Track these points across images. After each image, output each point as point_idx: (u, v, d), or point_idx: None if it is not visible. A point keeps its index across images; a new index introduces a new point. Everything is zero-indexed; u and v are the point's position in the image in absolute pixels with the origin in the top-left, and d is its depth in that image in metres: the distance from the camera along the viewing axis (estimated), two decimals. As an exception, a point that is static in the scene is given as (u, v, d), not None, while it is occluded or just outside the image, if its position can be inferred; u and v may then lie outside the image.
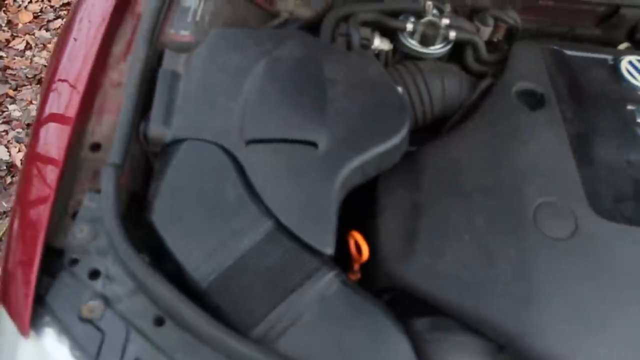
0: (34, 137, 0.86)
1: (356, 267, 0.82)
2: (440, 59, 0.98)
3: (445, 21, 0.95)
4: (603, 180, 0.81)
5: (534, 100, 0.89)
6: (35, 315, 0.70)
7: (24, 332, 0.71)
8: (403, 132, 0.82)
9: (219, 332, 0.67)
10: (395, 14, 0.98)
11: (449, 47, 0.98)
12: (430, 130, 0.96)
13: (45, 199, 0.78)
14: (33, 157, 0.84)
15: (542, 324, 0.71)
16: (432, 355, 0.74)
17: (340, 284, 0.73)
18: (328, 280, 0.73)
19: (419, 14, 0.96)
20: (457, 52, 1.00)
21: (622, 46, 1.07)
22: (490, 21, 0.99)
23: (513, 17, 0.99)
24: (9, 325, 0.75)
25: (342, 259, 0.81)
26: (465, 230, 0.78)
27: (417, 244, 0.79)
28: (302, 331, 0.71)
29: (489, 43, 1.02)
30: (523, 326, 0.71)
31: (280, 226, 0.76)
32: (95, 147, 0.84)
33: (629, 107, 0.88)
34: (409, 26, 0.95)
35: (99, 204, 0.76)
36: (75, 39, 0.95)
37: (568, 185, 0.80)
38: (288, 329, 0.70)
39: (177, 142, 0.82)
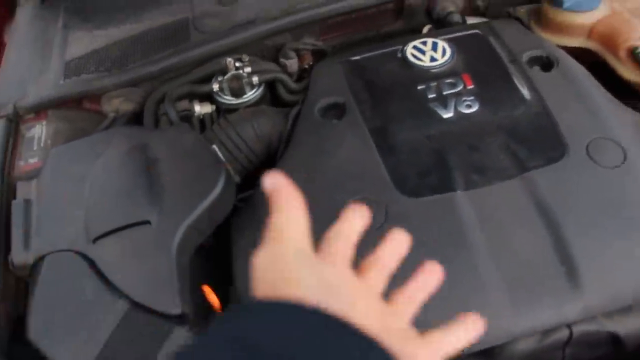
0: None
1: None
2: (258, 102, 1.07)
3: (248, 70, 1.04)
4: (407, 162, 0.87)
5: (338, 112, 0.97)
6: None
7: None
8: (220, 184, 0.90)
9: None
10: (206, 79, 1.08)
11: (260, 90, 1.06)
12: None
13: None
14: None
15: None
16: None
17: (188, 340, 0.80)
18: (181, 336, 0.80)
19: (224, 72, 1.05)
20: (273, 91, 1.09)
21: (425, 29, 1.15)
22: (292, 54, 1.08)
23: (310, 42, 1.09)
24: None
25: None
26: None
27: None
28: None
29: (304, 71, 1.11)
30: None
31: (134, 304, 0.83)
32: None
33: (419, 87, 0.95)
34: (215, 86, 1.04)
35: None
36: None
37: (375, 178, 0.86)
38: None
39: (39, 260, 0.90)
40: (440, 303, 0.74)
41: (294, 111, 1.01)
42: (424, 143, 0.90)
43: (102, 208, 0.92)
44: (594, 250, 0.77)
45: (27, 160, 1.06)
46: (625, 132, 0.89)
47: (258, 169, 1.02)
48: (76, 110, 1.14)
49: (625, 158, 0.85)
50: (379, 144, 0.90)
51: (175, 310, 0.81)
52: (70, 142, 1.06)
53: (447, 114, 0.92)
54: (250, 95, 1.06)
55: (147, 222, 0.89)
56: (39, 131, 1.10)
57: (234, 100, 1.06)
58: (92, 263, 0.87)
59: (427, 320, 0.52)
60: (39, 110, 1.12)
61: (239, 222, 0.96)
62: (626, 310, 0.78)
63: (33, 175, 1.02)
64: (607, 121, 0.90)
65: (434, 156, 0.88)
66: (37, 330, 0.83)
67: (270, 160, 1.02)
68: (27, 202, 0.97)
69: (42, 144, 1.08)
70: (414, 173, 0.86)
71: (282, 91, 1.07)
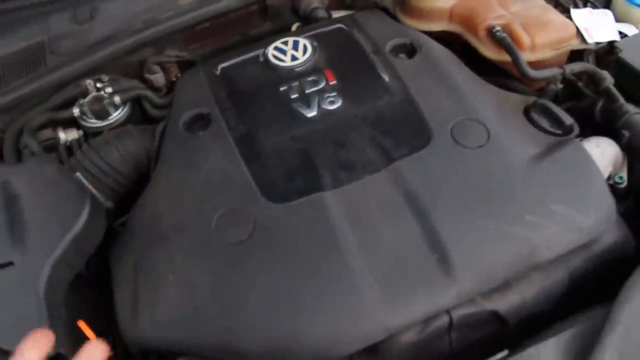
0: None
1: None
2: (125, 122, 1.02)
3: (109, 90, 0.99)
4: (273, 167, 0.85)
5: (203, 123, 0.93)
6: None
7: None
8: (85, 213, 0.84)
9: None
10: (68, 104, 1.02)
11: (125, 110, 1.01)
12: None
13: None
14: None
15: (249, 325, 0.74)
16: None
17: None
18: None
19: (85, 94, 1.00)
20: (141, 107, 1.05)
21: (294, 27, 1.13)
22: (156, 68, 1.04)
23: (174, 54, 1.04)
24: None
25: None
26: (169, 271, 0.81)
27: (138, 304, 0.82)
28: None
29: (173, 84, 1.07)
30: (236, 336, 0.74)
31: (4, 353, 0.77)
32: None
33: (282, 88, 0.93)
34: (75, 111, 0.99)
35: None
36: None
37: (241, 187, 0.83)
38: None
39: None
40: (315, 306, 0.73)
41: (160, 127, 0.97)
42: (289, 145, 0.87)
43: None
44: (463, 234, 0.76)
45: None
46: (489, 111, 0.89)
47: (136, 189, 0.97)
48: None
49: (489, 137, 0.85)
50: (243, 152, 0.87)
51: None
52: None
53: (311, 113, 0.90)
54: (116, 115, 1.01)
55: (10, 264, 0.83)
56: None
57: (99, 123, 1.00)
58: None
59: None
60: None
61: (117, 247, 0.92)
62: (504, 287, 0.78)
63: None
64: (470, 102, 0.90)
65: (299, 157, 0.85)
66: None
67: (143, 178, 0.97)
68: None
69: None
70: (281, 177, 0.84)
71: (148, 107, 1.03)
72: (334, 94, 0.91)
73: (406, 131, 0.87)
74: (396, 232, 0.77)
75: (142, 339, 0.80)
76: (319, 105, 0.90)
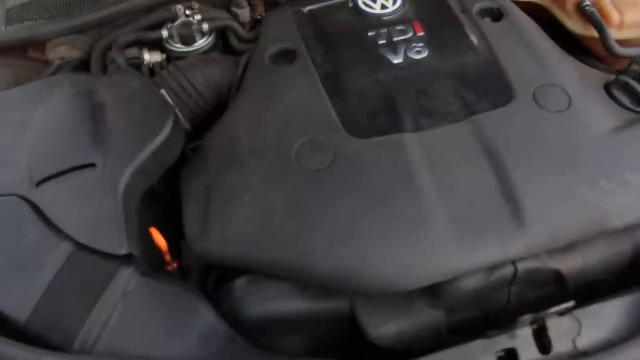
0: None
1: (167, 258, 0.87)
2: (208, 51, 1.05)
3: (198, 17, 1.02)
4: (356, 106, 0.87)
5: (289, 59, 0.96)
6: None
7: None
8: (168, 127, 0.88)
9: (34, 354, 0.72)
10: (155, 27, 1.05)
11: (211, 38, 1.04)
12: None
13: None
14: None
15: (322, 249, 0.76)
16: (248, 309, 0.79)
17: (141, 277, 0.79)
18: (128, 276, 0.78)
19: (174, 19, 1.03)
20: (225, 40, 1.08)
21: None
22: (244, 3, 1.06)
23: (262, -8, 1.07)
24: None
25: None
26: (245, 192, 0.84)
27: (210, 220, 0.85)
28: (114, 331, 0.75)
29: (256, 22, 1.10)
30: (308, 258, 0.77)
31: (79, 246, 0.81)
32: None
33: (370, 34, 0.95)
34: (164, 33, 1.02)
35: None
36: None
37: (323, 120, 0.86)
38: (102, 333, 0.75)
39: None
40: (388, 238, 0.76)
41: (245, 59, 0.99)
42: (374, 87, 0.90)
43: (46, 152, 0.90)
44: (538, 190, 0.78)
45: (-35, 110, 1.02)
46: (571, 81, 0.90)
47: (209, 118, 1.00)
48: (21, 58, 1.10)
49: (570, 104, 0.86)
50: (328, 89, 0.89)
51: (121, 250, 0.79)
52: (7, 89, 1.02)
53: (397, 60, 0.92)
54: (201, 43, 1.04)
55: (93, 165, 0.87)
56: None
57: (184, 49, 1.03)
58: (35, 207, 0.84)
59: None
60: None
61: (189, 169, 0.95)
62: (569, 248, 0.80)
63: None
64: (554, 69, 0.91)
65: (383, 100, 0.88)
66: None
67: (221, 108, 1.00)
68: None
69: None
70: (363, 116, 0.86)
71: (233, 40, 1.06)
72: (421, 44, 0.93)
73: (489, 88, 0.88)
74: (472, 179, 0.79)
75: (210, 254, 0.83)
76: (405, 54, 0.92)
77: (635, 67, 0.96)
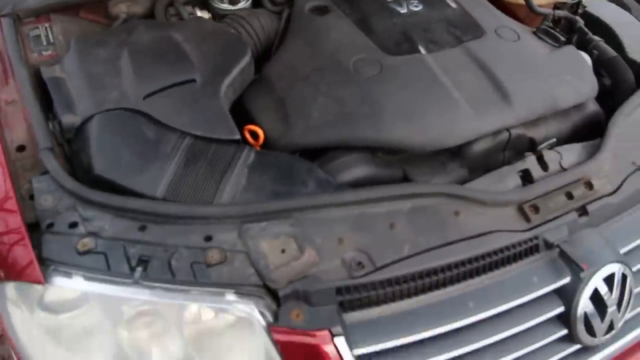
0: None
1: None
2: (247, 10, 1.33)
3: (240, -18, 1.31)
4: (384, 38, 1.21)
5: (321, 12, 1.27)
6: (42, 268, 0.87)
7: (38, 281, 0.87)
8: (248, 55, 1.15)
9: (188, 209, 0.92)
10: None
11: (250, 0, 1.33)
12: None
13: (8, 193, 0.94)
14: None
15: (389, 122, 1.07)
16: (336, 172, 1.06)
17: (255, 153, 1.02)
18: (246, 153, 1.02)
19: (220, -18, 1.30)
20: (257, 2, 1.36)
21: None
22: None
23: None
24: (21, 295, 0.90)
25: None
26: (318, 94, 1.12)
27: (290, 119, 1.11)
28: (246, 191, 0.98)
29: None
30: (378, 130, 1.07)
31: (196, 138, 1.02)
32: (21, 148, 1.01)
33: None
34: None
35: (47, 181, 0.95)
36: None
37: (365, 46, 1.19)
38: (235, 196, 0.97)
39: (87, 121, 1.03)
40: (432, 116, 1.09)
41: (286, 13, 1.29)
42: (392, 27, 1.25)
43: (146, 74, 1.09)
44: (517, 85, 1.16)
45: (41, 53, 1.17)
46: (514, 25, 1.34)
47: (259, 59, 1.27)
48: (77, 17, 1.26)
49: (519, 37, 1.29)
50: (361, 28, 1.22)
51: (236, 136, 1.03)
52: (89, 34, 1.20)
53: (403, 10, 1.29)
54: (244, 3, 1.31)
55: (193, 81, 1.09)
56: (43, 31, 1.21)
57: (229, 7, 1.29)
58: (146, 114, 1.04)
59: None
60: (39, 14, 1.22)
61: (251, 95, 1.20)
62: (536, 124, 1.19)
63: (52, 63, 1.13)
64: (503, 18, 1.35)
65: (401, 34, 1.23)
66: (103, 167, 0.98)
67: (266, 54, 1.27)
68: (58, 78, 1.09)
69: (52, 40, 1.19)
70: (391, 44, 1.21)
71: (266, 3, 1.34)
72: (416, 2, 1.31)
73: (467, 28, 1.28)
74: (473, 80, 1.17)
75: (294, 143, 1.09)
76: (407, 7, 1.29)
77: (545, 23, 1.42)
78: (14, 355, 1.05)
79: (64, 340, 0.92)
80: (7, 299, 0.93)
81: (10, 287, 0.92)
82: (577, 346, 1.04)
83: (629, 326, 1.11)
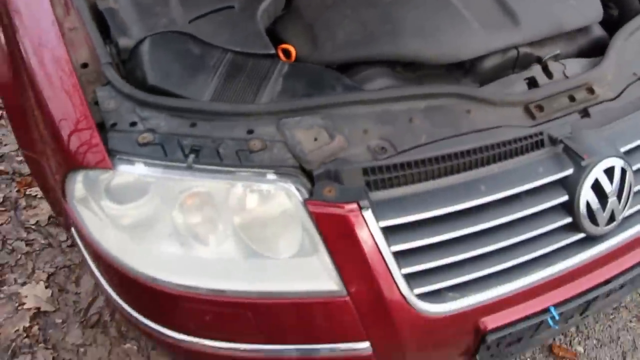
0: (35, 76, 1.14)
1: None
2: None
3: None
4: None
5: None
6: (110, 158, 1.01)
7: (107, 166, 1.01)
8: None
9: (232, 107, 1.05)
10: None
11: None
12: None
13: (79, 98, 1.09)
14: (46, 84, 1.13)
15: (405, 37, 1.19)
16: (360, 84, 1.19)
17: (289, 65, 1.16)
18: (281, 65, 1.15)
19: None
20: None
21: None
22: None
23: None
24: (90, 186, 1.05)
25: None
26: (343, 17, 1.25)
27: (318, 40, 1.24)
28: (279, 98, 1.11)
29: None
30: (400, 45, 1.19)
31: (236, 53, 1.16)
32: (84, 65, 1.16)
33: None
34: None
35: (109, 90, 1.09)
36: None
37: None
38: (272, 100, 1.10)
39: (140, 42, 1.17)
40: (448, 32, 1.20)
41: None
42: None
43: (190, 2, 1.24)
44: (524, 5, 1.27)
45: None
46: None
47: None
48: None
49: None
50: None
51: (271, 50, 1.16)
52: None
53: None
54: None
55: (232, 7, 1.23)
56: None
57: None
58: (191, 35, 1.18)
59: None
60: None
61: (282, 23, 1.33)
62: (543, 43, 1.30)
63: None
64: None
65: None
66: (157, 79, 1.11)
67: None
68: (112, 9, 1.24)
69: None
70: None
71: None
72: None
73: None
74: (483, 2, 1.27)
75: (324, 59, 1.22)
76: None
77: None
78: (82, 247, 1.21)
79: (127, 227, 1.06)
80: (76, 192, 1.08)
81: (80, 178, 1.06)
82: (582, 235, 1.15)
83: (630, 222, 1.22)
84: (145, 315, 1.12)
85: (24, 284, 1.79)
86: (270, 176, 1.00)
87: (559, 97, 1.14)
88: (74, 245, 1.88)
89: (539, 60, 1.29)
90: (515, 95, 1.14)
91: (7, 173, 2.10)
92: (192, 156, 1.00)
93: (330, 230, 0.98)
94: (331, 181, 1.00)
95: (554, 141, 1.11)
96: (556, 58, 1.22)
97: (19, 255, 1.86)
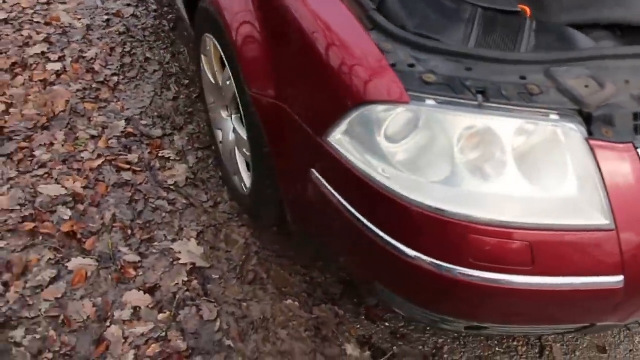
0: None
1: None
2: None
3: None
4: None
5: None
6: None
7: (405, 100, 1.08)
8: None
9: (504, 54, 1.14)
10: None
11: None
12: None
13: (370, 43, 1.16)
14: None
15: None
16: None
17: (536, 21, 1.25)
18: (530, 22, 1.24)
19: None
20: None
21: None
22: None
23: None
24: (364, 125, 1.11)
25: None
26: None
27: (544, 1, 1.34)
28: (534, 50, 1.21)
29: None
30: (620, 8, 1.31)
31: (485, 9, 1.25)
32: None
33: None
34: None
35: (384, 33, 1.17)
36: None
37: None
38: (529, 50, 1.20)
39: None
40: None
41: None
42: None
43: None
44: None
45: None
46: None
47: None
48: None
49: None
50: None
51: (516, 8, 1.26)
52: None
53: None
54: None
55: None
56: None
57: None
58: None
59: None
60: None
61: None
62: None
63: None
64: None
65: None
66: (420, 26, 1.20)
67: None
68: None
69: None
70: None
71: None
72: None
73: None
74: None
75: (549, 21, 1.32)
76: None
77: None
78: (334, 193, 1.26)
79: (405, 163, 1.13)
80: (355, 128, 1.14)
81: (358, 115, 1.13)
82: None
83: None
84: (430, 255, 1.16)
85: (173, 240, 1.81)
86: (554, 116, 1.09)
87: None
88: (217, 204, 1.92)
89: None
90: None
91: (135, 135, 2.11)
92: (480, 96, 1.09)
93: (609, 167, 1.08)
94: (605, 124, 1.09)
95: None
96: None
97: (164, 214, 1.88)
